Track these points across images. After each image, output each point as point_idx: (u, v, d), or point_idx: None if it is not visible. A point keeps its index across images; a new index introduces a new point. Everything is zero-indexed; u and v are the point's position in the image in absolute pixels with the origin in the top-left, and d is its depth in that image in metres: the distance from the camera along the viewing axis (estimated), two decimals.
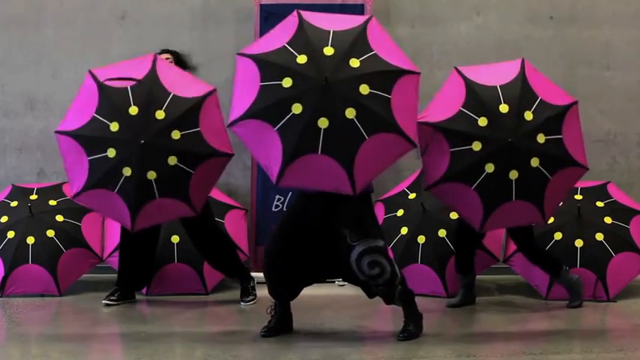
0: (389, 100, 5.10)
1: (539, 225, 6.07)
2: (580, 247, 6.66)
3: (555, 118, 5.61)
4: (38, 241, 6.91)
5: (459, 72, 5.70)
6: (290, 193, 7.38)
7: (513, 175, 5.51)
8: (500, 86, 5.61)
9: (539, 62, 7.73)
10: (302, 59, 5.12)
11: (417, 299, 5.63)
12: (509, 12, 7.81)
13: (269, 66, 5.14)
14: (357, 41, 5.20)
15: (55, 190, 7.30)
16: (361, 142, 5.06)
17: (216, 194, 7.28)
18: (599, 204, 6.90)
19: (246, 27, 7.66)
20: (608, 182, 7.15)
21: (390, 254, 5.71)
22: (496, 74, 5.71)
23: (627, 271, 6.69)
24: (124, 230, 6.47)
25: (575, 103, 5.73)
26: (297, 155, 5.06)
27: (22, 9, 7.81)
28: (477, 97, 5.57)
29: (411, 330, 5.55)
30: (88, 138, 5.63)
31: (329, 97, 5.05)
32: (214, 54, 7.81)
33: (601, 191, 7.02)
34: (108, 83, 5.69)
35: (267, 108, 5.09)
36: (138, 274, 6.65)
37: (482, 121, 5.51)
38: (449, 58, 7.80)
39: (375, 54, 5.20)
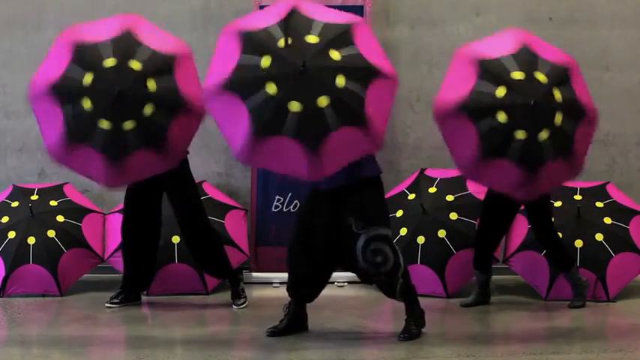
0: (363, 97, 5.13)
1: None
2: (580, 248, 6.67)
3: (564, 75, 5.67)
4: (39, 242, 6.92)
5: (463, 54, 5.73)
6: (290, 193, 7.39)
7: (544, 135, 5.51)
8: (507, 56, 5.63)
9: None
10: (283, 42, 5.14)
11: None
12: (509, 13, 7.82)
13: (251, 42, 5.15)
14: (341, 35, 5.21)
15: (56, 191, 7.31)
16: (329, 131, 5.07)
17: (216, 194, 7.30)
18: (599, 204, 6.91)
19: None
20: (608, 183, 7.17)
21: None
22: (497, 46, 5.74)
23: (627, 272, 6.70)
24: (124, 230, 6.48)
25: (574, 62, 5.80)
26: (263, 134, 5.05)
27: (23, 10, 7.82)
28: (489, 69, 5.58)
29: (413, 330, 5.56)
30: (62, 90, 5.57)
31: (304, 82, 5.07)
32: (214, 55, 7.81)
33: (600, 192, 7.03)
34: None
35: (242, 83, 5.09)
36: (142, 273, 6.65)
37: (501, 91, 5.52)
38: (448, 59, 7.71)
39: (357, 50, 5.20)
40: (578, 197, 6.95)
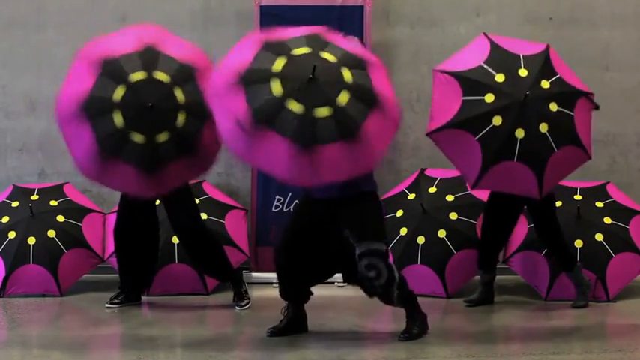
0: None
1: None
2: (579, 248, 6.67)
3: (570, 95, 5.83)
4: (39, 242, 6.92)
5: (487, 36, 6.01)
6: (290, 194, 7.40)
7: (519, 133, 5.64)
8: (523, 55, 5.90)
9: None
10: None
11: (418, 299, 5.63)
12: (509, 13, 7.82)
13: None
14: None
15: (56, 191, 7.31)
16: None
17: (216, 194, 7.30)
18: (599, 204, 6.91)
19: (247, 28, 7.66)
20: (608, 183, 7.17)
21: (390, 256, 5.71)
22: (521, 47, 6.00)
23: (627, 272, 6.71)
24: (116, 234, 6.48)
25: (591, 93, 5.96)
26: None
27: (23, 10, 7.82)
28: (500, 56, 5.84)
29: (413, 331, 5.56)
30: (92, 106, 5.49)
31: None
32: (215, 55, 7.79)
33: (600, 192, 7.03)
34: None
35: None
36: (139, 275, 6.65)
37: (500, 77, 5.75)
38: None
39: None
40: (578, 197, 6.95)
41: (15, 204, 7.17)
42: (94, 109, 5.50)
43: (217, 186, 7.55)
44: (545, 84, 5.80)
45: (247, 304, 6.50)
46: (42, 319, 6.37)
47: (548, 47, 6.04)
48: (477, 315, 6.34)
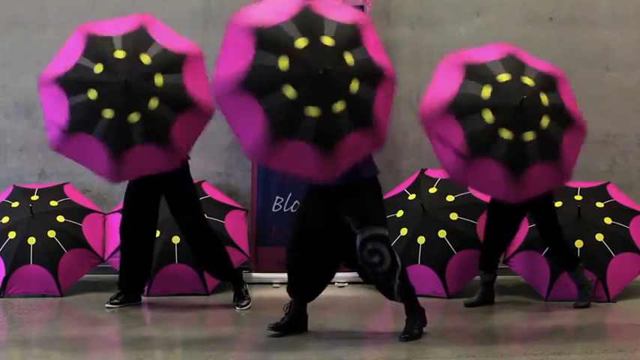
0: (373, 101, 5.12)
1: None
2: (580, 248, 6.67)
3: (552, 83, 5.64)
4: (39, 242, 6.92)
5: (450, 59, 5.74)
6: (290, 194, 7.39)
7: (529, 136, 5.50)
8: (493, 60, 5.64)
9: None
10: (302, 43, 5.03)
11: (418, 299, 5.63)
12: (509, 13, 7.83)
13: (266, 40, 4.99)
14: (353, 37, 5.14)
15: (56, 191, 7.31)
16: (343, 135, 5.04)
17: (216, 195, 7.30)
18: (599, 204, 6.91)
19: None
20: (608, 183, 7.17)
21: None
22: (485, 54, 5.74)
23: (627, 272, 6.70)
24: (122, 232, 6.49)
25: (562, 73, 5.77)
26: (279, 137, 4.97)
27: (23, 10, 7.82)
28: (475, 71, 5.58)
29: (414, 331, 5.56)
30: (70, 81, 5.59)
31: (323, 87, 4.99)
32: (215, 55, 7.80)
33: (601, 192, 7.03)
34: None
35: (259, 83, 4.95)
36: (139, 275, 6.65)
37: (486, 91, 5.51)
38: None
39: (367, 53, 5.16)
40: (578, 197, 6.95)
41: (15, 204, 7.17)
42: (73, 82, 5.60)
43: (217, 186, 7.56)
44: (528, 80, 5.56)
45: (248, 304, 6.50)
46: (42, 319, 6.37)
47: (508, 48, 5.79)
48: (477, 315, 6.34)
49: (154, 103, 5.63)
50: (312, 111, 4.96)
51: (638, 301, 6.67)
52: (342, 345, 5.53)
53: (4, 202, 7.22)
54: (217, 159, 7.75)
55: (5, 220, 7.08)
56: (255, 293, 6.84)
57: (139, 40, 5.76)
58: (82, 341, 5.75)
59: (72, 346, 5.58)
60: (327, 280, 5.77)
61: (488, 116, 5.47)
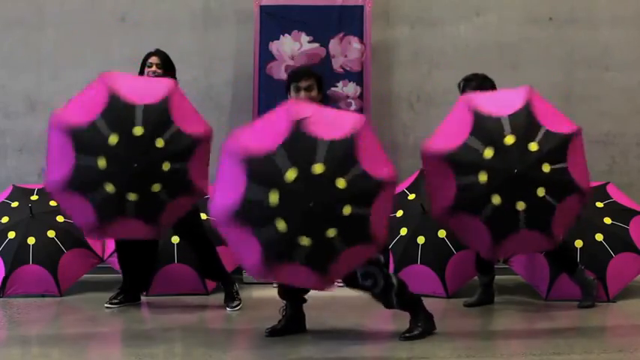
0: (369, 218, 5.03)
1: None
2: (580, 248, 6.67)
3: (560, 146, 5.54)
4: (39, 242, 6.92)
5: (466, 101, 5.65)
6: None
7: (520, 205, 5.50)
8: (505, 116, 5.53)
9: (539, 63, 7.80)
10: (291, 174, 4.94)
11: None
12: (509, 13, 7.83)
13: (256, 173, 4.95)
14: (346, 157, 4.98)
15: None
16: (337, 255, 5.04)
17: None
18: (599, 204, 6.91)
19: (247, 28, 7.67)
20: (608, 183, 7.17)
21: (391, 256, 5.70)
22: (502, 103, 5.64)
23: (627, 272, 6.70)
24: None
25: (579, 130, 5.65)
26: (274, 264, 5.01)
27: (23, 10, 7.82)
28: (484, 127, 5.51)
29: (415, 332, 5.56)
30: (85, 141, 5.47)
31: (313, 217, 4.93)
32: (214, 55, 7.83)
33: (600, 192, 7.02)
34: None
35: (252, 216, 4.96)
36: (139, 276, 6.65)
37: (488, 153, 5.49)
38: (448, 59, 7.82)
39: (360, 169, 4.99)
40: None
41: (15, 204, 7.17)
42: (83, 145, 5.47)
43: None
44: (533, 147, 5.49)
45: (238, 305, 6.49)
46: (41, 319, 6.36)
47: (529, 96, 5.62)
48: (477, 315, 6.34)
49: (156, 187, 5.55)
50: (304, 240, 4.95)
51: (638, 301, 6.66)
52: (342, 345, 5.53)
53: (3, 201, 7.22)
54: (217, 159, 7.73)
55: (5, 219, 7.08)
56: (255, 293, 6.85)
57: (157, 119, 5.55)
58: (82, 341, 5.75)
59: (71, 346, 5.57)
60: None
61: (483, 177, 5.47)
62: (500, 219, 5.49)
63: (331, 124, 5.09)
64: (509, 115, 5.52)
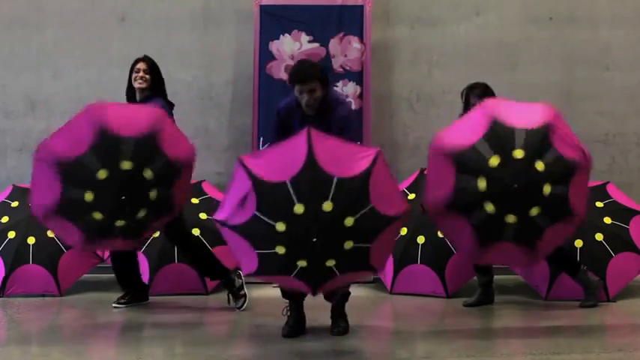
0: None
1: None
2: (580, 248, 6.67)
3: (566, 172, 5.55)
4: (39, 242, 6.92)
5: (488, 105, 5.66)
6: None
7: (510, 219, 5.51)
8: (521, 130, 5.51)
9: (539, 63, 7.80)
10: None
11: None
12: (509, 13, 7.83)
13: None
14: (357, 199, 5.03)
15: None
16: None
17: (216, 194, 7.28)
18: (599, 204, 6.91)
19: (247, 28, 7.67)
20: (608, 182, 7.17)
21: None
22: (523, 115, 5.61)
23: (627, 272, 6.70)
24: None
25: (589, 160, 5.66)
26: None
27: (23, 10, 7.82)
28: (497, 134, 5.51)
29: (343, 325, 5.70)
30: (72, 175, 5.57)
31: (315, 249, 5.02)
32: (214, 55, 7.82)
33: (600, 191, 7.03)
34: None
35: (255, 237, 5.08)
36: (137, 276, 6.66)
37: (494, 161, 5.49)
38: (448, 59, 7.82)
39: (370, 206, 5.04)
40: None
41: (14, 204, 7.17)
42: (73, 179, 5.61)
43: (217, 186, 7.54)
44: (540, 165, 5.48)
45: (244, 302, 6.47)
46: (41, 319, 6.36)
47: (549, 115, 5.59)
48: (477, 315, 6.34)
49: (142, 213, 5.73)
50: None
51: (638, 301, 6.66)
52: (342, 344, 5.53)
53: (3, 201, 7.23)
54: (217, 159, 7.75)
55: (5, 219, 7.08)
56: (255, 293, 6.83)
57: (146, 152, 5.65)
58: (82, 341, 5.75)
59: (71, 346, 5.57)
60: None
61: (482, 184, 5.49)
62: (489, 227, 5.53)
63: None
64: (526, 130, 5.52)
